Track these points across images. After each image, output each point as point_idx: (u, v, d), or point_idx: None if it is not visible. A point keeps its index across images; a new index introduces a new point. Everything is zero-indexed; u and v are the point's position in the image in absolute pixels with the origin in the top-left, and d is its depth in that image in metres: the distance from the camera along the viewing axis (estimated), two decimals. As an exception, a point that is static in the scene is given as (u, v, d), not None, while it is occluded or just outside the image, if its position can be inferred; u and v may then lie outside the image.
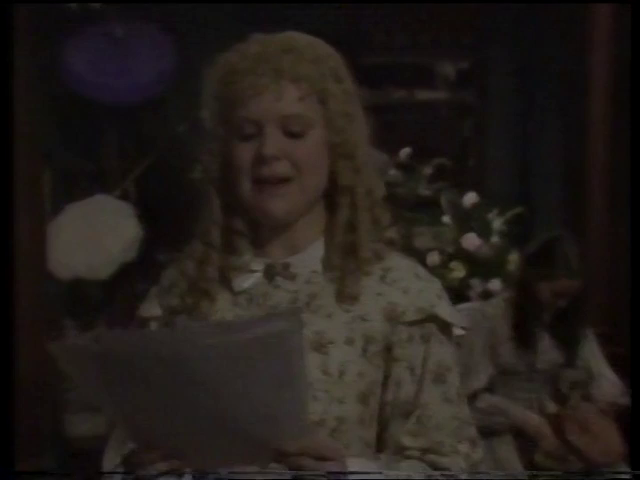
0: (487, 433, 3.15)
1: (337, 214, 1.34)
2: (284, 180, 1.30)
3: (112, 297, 4.55)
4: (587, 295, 3.24)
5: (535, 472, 3.12)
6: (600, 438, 3.06)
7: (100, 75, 4.72)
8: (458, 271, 4.45)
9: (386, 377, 1.30)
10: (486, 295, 4.32)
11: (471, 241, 4.47)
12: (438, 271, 4.49)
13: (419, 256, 4.61)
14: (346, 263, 1.32)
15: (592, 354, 3.27)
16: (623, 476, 2.82)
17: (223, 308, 1.34)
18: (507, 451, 3.18)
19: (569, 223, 4.82)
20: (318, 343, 1.28)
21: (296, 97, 1.29)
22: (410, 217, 4.83)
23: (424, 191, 5.21)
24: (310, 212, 1.34)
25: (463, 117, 5.84)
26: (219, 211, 1.35)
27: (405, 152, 5.15)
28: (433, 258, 4.53)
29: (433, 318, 1.31)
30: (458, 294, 4.44)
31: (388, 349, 1.30)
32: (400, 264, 1.35)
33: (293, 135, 1.29)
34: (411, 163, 5.18)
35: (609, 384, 3.22)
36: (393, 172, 5.18)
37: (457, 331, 1.34)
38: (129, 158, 5.06)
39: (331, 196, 1.35)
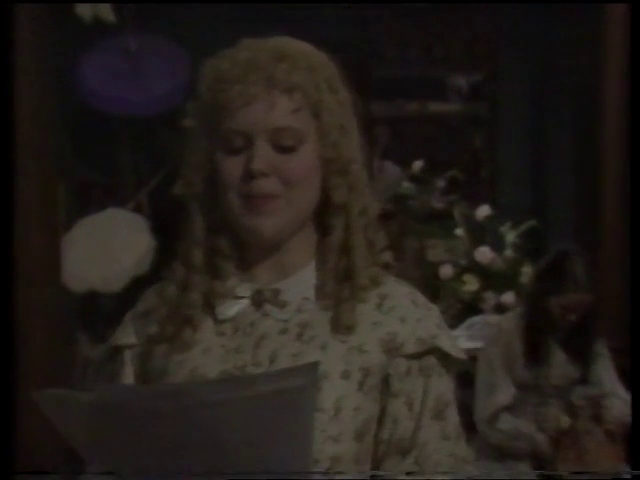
0: (506, 455, 3.15)
1: (330, 236, 1.24)
2: (273, 197, 1.20)
3: (125, 310, 4.55)
4: (601, 309, 3.22)
5: (536, 472, 3.11)
6: (590, 467, 3.05)
7: (114, 89, 4.74)
8: (471, 284, 4.45)
9: (382, 412, 1.21)
10: (500, 308, 4.31)
11: (484, 254, 4.47)
12: (451, 284, 4.49)
13: (432, 269, 4.60)
14: (340, 290, 1.22)
15: (605, 371, 3.25)
16: (623, 476, 2.81)
17: (206, 337, 1.23)
18: (521, 464, 3.16)
19: (583, 236, 4.80)
20: None
21: (288, 109, 1.20)
22: (423, 230, 4.83)
23: (437, 204, 5.21)
24: (300, 233, 1.25)
25: (475, 129, 5.84)
26: (202, 231, 1.25)
27: (418, 165, 5.15)
28: (446, 271, 4.52)
29: (434, 350, 1.22)
30: (471, 307, 4.44)
31: (384, 382, 1.21)
32: (397, 290, 1.25)
33: (284, 149, 1.20)
34: (424, 176, 5.17)
35: (621, 403, 3.19)
36: (406, 185, 5.18)
37: (458, 358, 1.25)
38: (143, 171, 5.07)
39: (323, 216, 1.25)
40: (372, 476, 1.20)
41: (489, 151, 5.76)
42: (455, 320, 4.36)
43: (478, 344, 3.63)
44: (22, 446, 3.20)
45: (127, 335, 1.30)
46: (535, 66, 5.58)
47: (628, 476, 2.76)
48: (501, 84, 5.69)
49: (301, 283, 1.24)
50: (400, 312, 1.22)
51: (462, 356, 1.24)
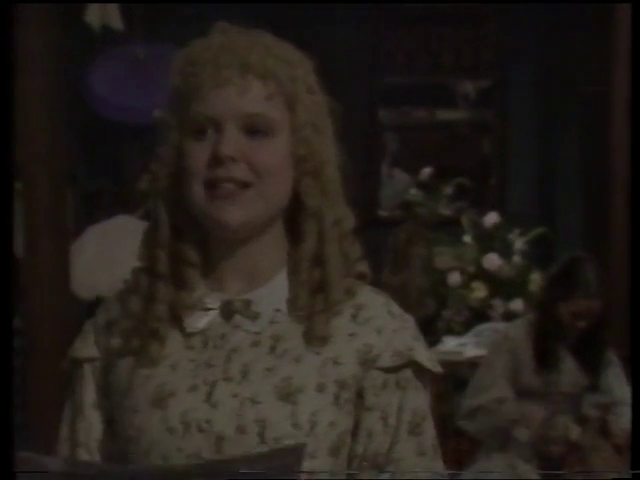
0: (500, 437, 3.14)
1: (302, 244, 1.18)
2: (241, 186, 1.14)
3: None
4: (611, 318, 3.22)
5: (539, 472, 3.10)
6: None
7: (122, 96, 4.76)
8: (479, 291, 4.44)
9: (356, 426, 1.17)
10: (508, 315, 4.31)
11: (492, 261, 4.47)
12: (459, 291, 4.49)
13: (440, 276, 4.61)
14: (314, 302, 1.17)
15: (616, 379, 3.24)
16: (623, 476, 2.80)
17: (174, 351, 1.17)
18: (526, 468, 3.15)
19: (591, 243, 4.79)
20: (286, 391, 1.13)
21: (262, 95, 1.14)
22: (431, 237, 4.83)
23: (445, 211, 5.21)
24: (270, 238, 1.19)
25: (483, 136, 5.84)
26: (167, 232, 1.18)
27: (426, 172, 5.16)
28: (454, 278, 4.52)
29: (410, 363, 1.18)
30: (479, 314, 4.43)
31: (359, 395, 1.17)
32: (372, 301, 1.20)
33: (255, 136, 1.14)
34: (432, 183, 5.18)
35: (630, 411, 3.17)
36: (414, 192, 5.19)
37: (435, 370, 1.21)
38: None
39: (294, 222, 1.20)
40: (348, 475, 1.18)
41: (497, 158, 5.76)
42: (463, 327, 4.37)
43: (486, 351, 3.63)
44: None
45: (87, 347, 1.24)
46: (543, 73, 5.58)
47: (628, 476, 2.75)
48: (509, 91, 5.69)
49: (273, 294, 1.18)
50: (376, 323, 1.18)
51: (439, 369, 1.20)
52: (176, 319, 1.18)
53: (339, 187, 1.20)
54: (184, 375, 1.16)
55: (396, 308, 1.21)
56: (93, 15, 4.34)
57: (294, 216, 1.19)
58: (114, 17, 4.38)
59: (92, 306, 4.55)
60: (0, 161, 1.25)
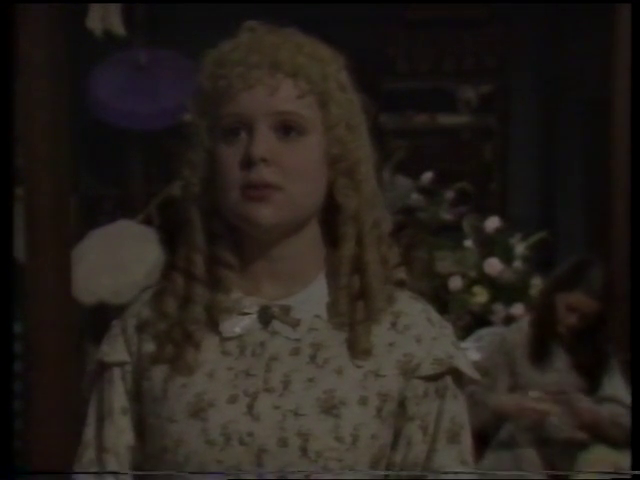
0: (484, 435, 3.14)
1: (340, 247, 1.16)
2: (271, 188, 1.11)
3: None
4: (611, 322, 3.21)
5: (539, 472, 3.09)
6: None
7: (124, 102, 4.77)
8: (480, 296, 4.44)
9: (396, 435, 1.15)
10: (509, 320, 4.31)
11: (494, 266, 4.46)
12: (460, 296, 4.49)
13: (441, 280, 4.61)
14: (354, 310, 1.14)
15: (614, 382, 3.22)
16: (623, 476, 2.80)
17: (211, 358, 1.14)
18: (531, 462, 3.14)
19: (592, 248, 4.80)
20: (329, 404, 1.11)
21: (293, 94, 1.12)
22: (432, 241, 4.83)
23: (446, 215, 5.22)
24: (307, 241, 1.17)
25: (485, 141, 5.85)
26: (202, 236, 1.16)
27: (427, 176, 5.16)
28: (455, 283, 4.52)
29: (451, 371, 1.16)
30: (480, 319, 4.44)
31: (400, 404, 1.15)
32: (411, 308, 1.18)
33: (287, 136, 1.12)
34: (433, 187, 5.18)
35: (622, 411, 3.14)
36: (415, 196, 5.19)
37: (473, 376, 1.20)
38: (153, 183, 5.10)
39: (332, 226, 1.17)
40: (385, 476, 1.17)
41: (499, 163, 5.77)
42: (464, 332, 4.37)
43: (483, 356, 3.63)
44: (23, 447, 3.22)
45: (117, 351, 1.20)
46: (544, 78, 5.58)
47: (628, 476, 2.75)
48: (511, 96, 5.70)
49: (311, 299, 1.16)
50: (415, 331, 1.16)
51: (477, 376, 1.20)
52: (212, 323, 1.15)
53: (375, 187, 1.18)
54: (223, 384, 1.13)
55: (434, 315, 1.20)
56: (95, 20, 4.35)
57: (331, 218, 1.17)
58: (116, 22, 4.38)
59: (94, 311, 4.57)
60: (1, 165, 1.26)
